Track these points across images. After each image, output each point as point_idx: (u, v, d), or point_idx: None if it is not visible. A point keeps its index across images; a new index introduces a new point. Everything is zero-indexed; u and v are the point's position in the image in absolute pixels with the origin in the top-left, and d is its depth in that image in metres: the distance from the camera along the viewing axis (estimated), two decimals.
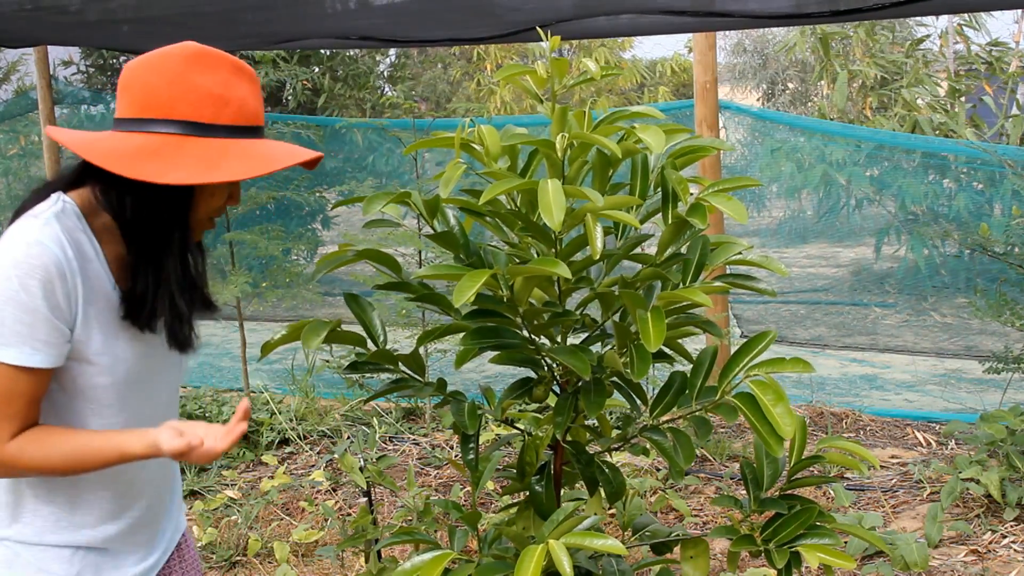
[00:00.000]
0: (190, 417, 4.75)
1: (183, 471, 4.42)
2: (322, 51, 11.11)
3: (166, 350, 1.58)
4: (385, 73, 13.34)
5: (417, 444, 4.75)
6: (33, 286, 1.39)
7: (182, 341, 1.56)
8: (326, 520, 3.79)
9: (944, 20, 9.45)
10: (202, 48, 1.47)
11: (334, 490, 4.21)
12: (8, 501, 1.54)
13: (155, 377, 1.59)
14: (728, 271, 1.98)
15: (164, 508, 1.70)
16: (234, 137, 1.46)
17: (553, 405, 1.80)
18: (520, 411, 2.24)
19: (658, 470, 4.19)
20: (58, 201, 1.46)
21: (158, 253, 1.49)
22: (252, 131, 1.49)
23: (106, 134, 1.47)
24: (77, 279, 1.43)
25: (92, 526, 1.56)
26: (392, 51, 12.78)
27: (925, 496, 3.97)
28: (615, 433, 1.95)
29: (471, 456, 1.79)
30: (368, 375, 1.84)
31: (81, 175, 1.50)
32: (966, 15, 9.00)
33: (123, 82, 1.46)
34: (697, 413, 1.77)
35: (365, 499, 3.00)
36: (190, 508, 3.99)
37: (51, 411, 1.50)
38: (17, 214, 1.48)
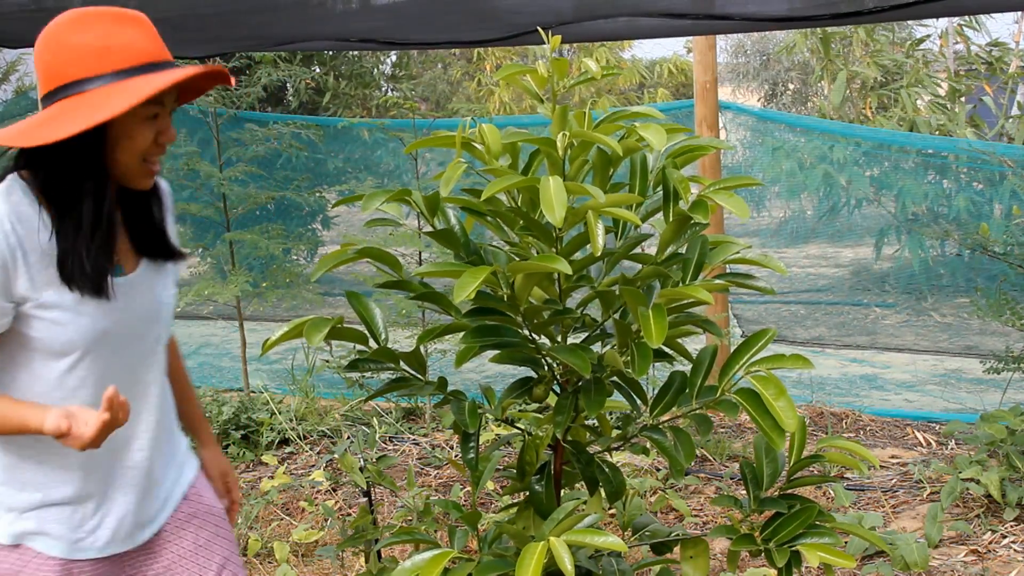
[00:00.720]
0: None
1: None
2: (324, 52, 11.11)
3: (136, 304, 1.64)
4: (387, 72, 13.35)
5: (417, 444, 4.75)
6: None
7: (95, 285, 1.58)
8: (326, 520, 3.79)
9: (944, 20, 9.45)
10: (80, 10, 1.53)
11: (334, 490, 4.21)
12: None
13: (126, 330, 1.63)
14: (728, 271, 1.98)
15: (156, 463, 1.74)
16: (125, 79, 1.50)
17: (553, 404, 1.80)
18: (520, 411, 2.24)
19: (658, 470, 4.19)
20: (7, 180, 1.56)
21: (73, 207, 1.55)
22: (148, 68, 1.53)
23: (29, 117, 1.55)
24: (18, 252, 1.51)
25: (71, 481, 1.63)
26: (393, 52, 12.78)
27: (925, 496, 3.97)
28: (615, 433, 1.95)
29: (471, 456, 1.79)
30: (368, 375, 1.85)
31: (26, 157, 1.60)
32: (966, 16, 9.00)
33: (34, 66, 1.55)
34: (698, 411, 1.77)
35: (365, 499, 3.00)
36: None
37: (27, 370, 1.58)
38: None
